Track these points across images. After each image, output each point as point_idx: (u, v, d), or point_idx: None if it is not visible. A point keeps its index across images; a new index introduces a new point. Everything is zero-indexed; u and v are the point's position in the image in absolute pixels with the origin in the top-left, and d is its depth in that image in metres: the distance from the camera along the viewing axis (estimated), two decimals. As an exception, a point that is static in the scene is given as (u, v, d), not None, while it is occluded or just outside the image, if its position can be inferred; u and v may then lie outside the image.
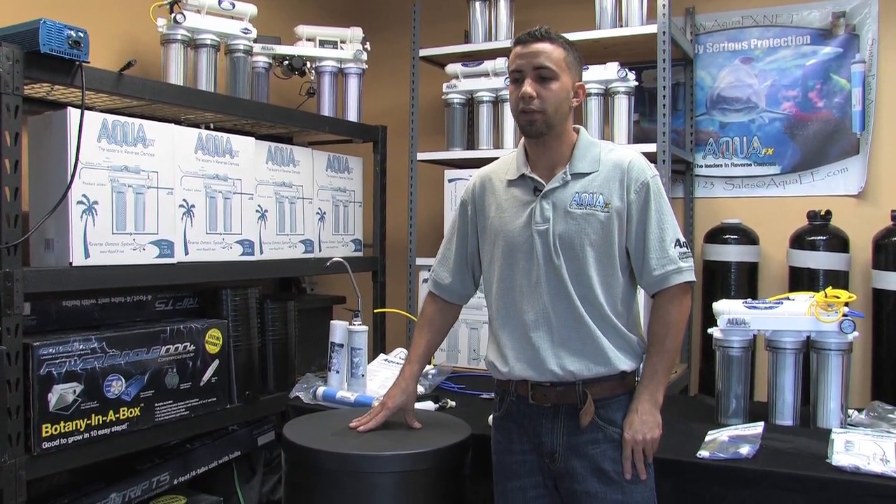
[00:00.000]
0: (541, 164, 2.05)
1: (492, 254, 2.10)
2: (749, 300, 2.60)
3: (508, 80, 2.06)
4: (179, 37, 3.03)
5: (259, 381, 3.14)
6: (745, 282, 3.64)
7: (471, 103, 3.84)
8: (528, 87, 1.95)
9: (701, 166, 3.90)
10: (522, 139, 2.10)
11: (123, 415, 2.56)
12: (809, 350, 2.48)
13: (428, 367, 2.95)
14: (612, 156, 2.03)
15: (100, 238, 2.52)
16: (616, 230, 1.97)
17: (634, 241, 1.99)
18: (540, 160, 2.05)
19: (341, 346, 2.81)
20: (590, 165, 2.01)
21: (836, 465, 2.00)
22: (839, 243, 3.44)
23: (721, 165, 3.86)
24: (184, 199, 2.81)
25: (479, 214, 2.17)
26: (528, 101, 1.95)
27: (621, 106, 3.44)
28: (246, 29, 3.23)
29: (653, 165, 2.05)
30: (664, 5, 3.25)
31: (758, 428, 2.32)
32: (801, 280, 3.44)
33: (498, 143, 3.73)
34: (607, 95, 3.47)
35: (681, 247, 1.98)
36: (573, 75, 2.01)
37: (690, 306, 2.07)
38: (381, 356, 3.16)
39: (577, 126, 2.09)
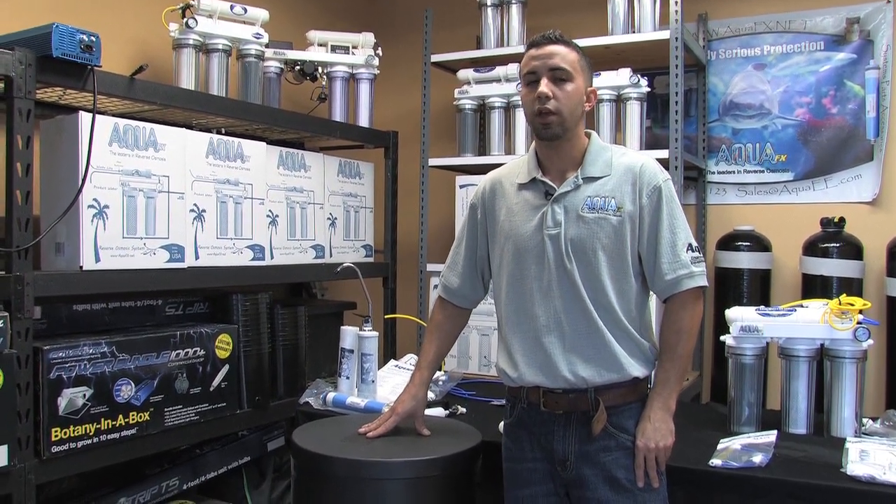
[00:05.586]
0: (552, 168, 2.03)
1: (501, 258, 2.08)
2: (762, 307, 2.57)
3: (521, 84, 2.05)
4: (191, 41, 3.04)
5: (269, 387, 3.13)
6: (758, 289, 3.62)
7: (482, 109, 3.83)
8: (545, 87, 1.94)
9: (713, 173, 3.88)
10: (534, 143, 2.09)
11: (133, 419, 2.55)
12: (823, 358, 2.46)
13: (438, 374, 2.94)
14: (623, 160, 2.02)
15: (110, 242, 2.52)
16: (628, 234, 1.95)
17: (646, 245, 1.97)
18: (551, 164, 2.04)
19: (352, 351, 2.80)
20: (601, 169, 2.00)
21: (851, 474, 1.98)
22: (853, 250, 3.41)
23: (733, 172, 3.84)
24: (195, 204, 2.81)
25: (488, 218, 2.16)
26: (545, 101, 1.94)
27: (633, 112, 3.43)
28: (258, 34, 3.23)
29: (665, 170, 2.04)
30: (676, 11, 3.24)
31: (771, 436, 2.30)
32: (814, 287, 3.42)
33: (509, 149, 3.72)
34: (619, 101, 3.46)
35: (693, 251, 1.96)
36: (586, 79, 2.01)
37: (703, 312, 2.05)
38: (392, 362, 3.15)
39: (589, 130, 2.08)
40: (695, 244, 1.98)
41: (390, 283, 3.82)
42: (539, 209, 2.01)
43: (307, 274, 3.49)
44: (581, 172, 2.00)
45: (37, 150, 2.38)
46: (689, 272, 1.95)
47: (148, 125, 2.65)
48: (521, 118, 3.66)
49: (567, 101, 1.95)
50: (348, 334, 2.82)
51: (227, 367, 2.90)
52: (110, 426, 2.49)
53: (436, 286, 3.69)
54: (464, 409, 2.71)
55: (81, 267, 2.44)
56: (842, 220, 3.44)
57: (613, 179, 1.99)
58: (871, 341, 2.39)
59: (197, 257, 2.82)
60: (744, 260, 3.60)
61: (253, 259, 3.06)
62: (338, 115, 3.65)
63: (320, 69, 3.62)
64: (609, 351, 1.95)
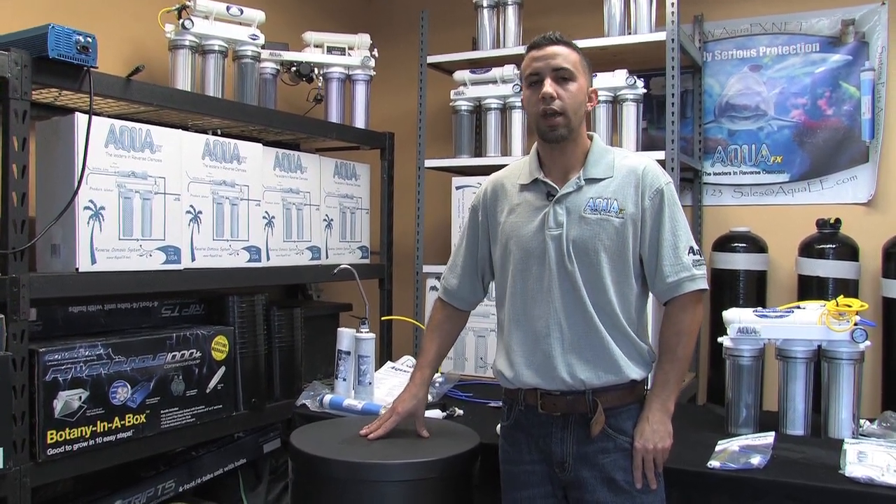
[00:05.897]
0: (554, 169, 2.03)
1: (503, 259, 2.08)
2: (759, 309, 2.58)
3: (522, 86, 2.05)
4: (187, 43, 3.03)
5: (265, 389, 3.12)
6: (754, 290, 3.62)
7: (478, 110, 3.83)
8: (549, 88, 1.94)
9: (709, 174, 3.88)
10: (535, 144, 2.09)
11: (129, 422, 2.54)
12: (820, 359, 2.46)
13: (435, 376, 2.93)
14: (626, 162, 2.02)
15: (106, 244, 2.50)
16: (630, 236, 1.95)
17: (648, 247, 1.98)
18: (554, 165, 2.03)
19: (348, 353, 2.79)
20: (604, 171, 2.00)
21: (850, 476, 1.98)
22: (848, 252, 3.41)
23: (729, 173, 3.85)
24: (191, 205, 2.80)
25: (490, 219, 2.16)
26: (550, 101, 1.94)
27: (629, 113, 3.43)
28: (254, 35, 3.22)
29: (667, 173, 2.04)
30: (672, 13, 3.24)
31: (768, 438, 2.30)
32: (810, 289, 3.42)
33: (506, 151, 3.72)
34: (615, 103, 3.46)
35: (694, 254, 1.97)
36: (587, 79, 2.01)
37: (703, 314, 2.05)
38: (389, 364, 3.14)
39: (591, 133, 2.09)
40: (696, 247, 1.98)
41: (386, 284, 3.81)
42: (541, 210, 2.01)
43: (303, 275, 3.48)
44: (583, 174, 1.99)
45: (33, 151, 2.38)
46: (690, 275, 1.95)
47: (144, 126, 2.64)
48: (517, 119, 3.66)
49: (571, 100, 1.95)
50: (345, 336, 2.81)
51: (223, 368, 2.89)
52: (106, 428, 2.48)
53: (433, 287, 3.70)
54: (461, 411, 2.71)
55: (77, 269, 2.42)
56: (837, 221, 3.44)
57: (616, 181, 1.98)
58: (868, 343, 2.39)
59: (193, 259, 2.81)
60: (740, 261, 3.60)
61: (249, 260, 3.05)
62: (334, 117, 3.64)
63: (316, 70, 3.61)
64: (607, 353, 1.94)
